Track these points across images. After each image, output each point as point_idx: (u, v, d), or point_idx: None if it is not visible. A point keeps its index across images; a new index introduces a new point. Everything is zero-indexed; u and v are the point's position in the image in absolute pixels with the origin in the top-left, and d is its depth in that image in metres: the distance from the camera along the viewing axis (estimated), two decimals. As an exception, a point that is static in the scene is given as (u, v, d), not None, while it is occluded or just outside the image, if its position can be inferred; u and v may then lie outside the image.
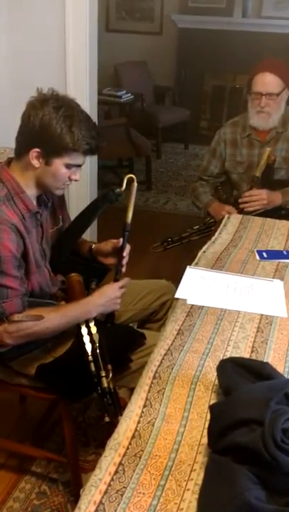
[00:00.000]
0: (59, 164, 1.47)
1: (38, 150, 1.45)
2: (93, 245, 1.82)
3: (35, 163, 1.47)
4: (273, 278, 1.76)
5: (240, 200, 2.35)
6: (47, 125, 1.41)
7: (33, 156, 1.46)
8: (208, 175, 2.61)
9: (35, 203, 1.57)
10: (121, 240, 1.71)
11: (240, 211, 2.34)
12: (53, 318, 1.52)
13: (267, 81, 2.28)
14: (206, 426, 1.09)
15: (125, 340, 1.66)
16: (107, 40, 5.31)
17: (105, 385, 1.47)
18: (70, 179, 1.53)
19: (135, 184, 1.69)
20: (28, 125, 1.44)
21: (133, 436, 1.10)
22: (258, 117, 2.37)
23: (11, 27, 2.78)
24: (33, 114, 1.43)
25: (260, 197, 2.32)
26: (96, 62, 2.86)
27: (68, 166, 1.49)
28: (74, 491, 1.80)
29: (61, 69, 2.77)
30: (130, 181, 1.68)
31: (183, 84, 5.96)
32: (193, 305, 1.59)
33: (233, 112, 5.27)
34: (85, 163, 1.55)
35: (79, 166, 1.53)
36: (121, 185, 1.67)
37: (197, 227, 2.43)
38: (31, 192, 1.54)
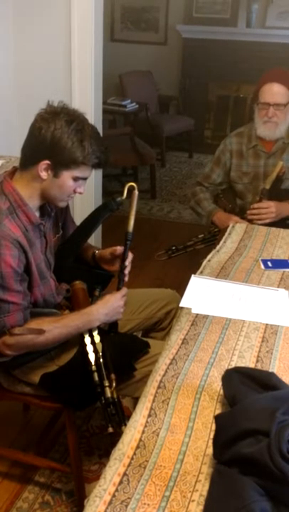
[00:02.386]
0: (67, 177, 1.48)
1: (47, 162, 1.45)
2: (96, 251, 1.82)
3: (44, 175, 1.47)
4: (278, 287, 1.76)
5: (248, 212, 2.35)
6: (59, 138, 1.42)
7: (42, 168, 1.46)
8: (209, 182, 2.59)
9: (37, 214, 1.57)
10: (122, 248, 1.71)
11: (248, 222, 2.33)
12: (53, 330, 1.52)
13: (275, 91, 2.28)
14: (211, 436, 1.08)
15: (129, 349, 1.65)
16: (112, 49, 5.34)
17: (109, 394, 1.47)
18: (74, 192, 1.54)
19: (136, 192, 1.69)
20: (39, 138, 1.44)
21: (138, 447, 1.09)
22: (264, 127, 2.37)
23: (16, 36, 2.81)
24: (45, 127, 1.43)
25: (269, 210, 2.31)
26: (101, 72, 2.88)
27: (75, 179, 1.50)
28: (77, 501, 1.79)
29: (66, 78, 2.79)
30: (131, 189, 1.68)
31: (187, 93, 5.99)
32: (198, 314, 1.59)
33: (237, 121, 5.32)
34: (90, 176, 1.56)
35: (85, 179, 1.54)
36: (122, 193, 1.67)
37: (202, 235, 2.42)
38: (34, 203, 1.54)
